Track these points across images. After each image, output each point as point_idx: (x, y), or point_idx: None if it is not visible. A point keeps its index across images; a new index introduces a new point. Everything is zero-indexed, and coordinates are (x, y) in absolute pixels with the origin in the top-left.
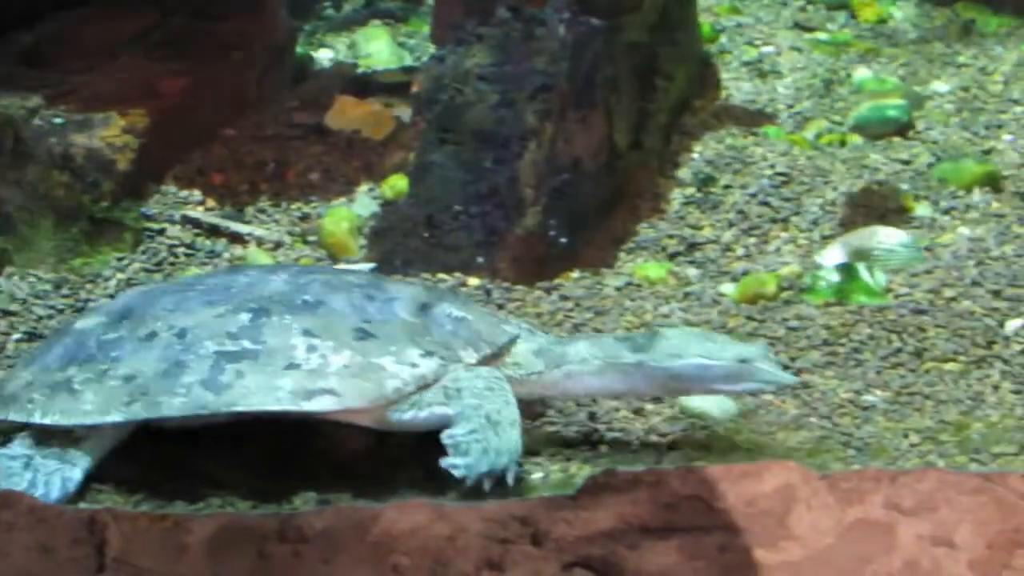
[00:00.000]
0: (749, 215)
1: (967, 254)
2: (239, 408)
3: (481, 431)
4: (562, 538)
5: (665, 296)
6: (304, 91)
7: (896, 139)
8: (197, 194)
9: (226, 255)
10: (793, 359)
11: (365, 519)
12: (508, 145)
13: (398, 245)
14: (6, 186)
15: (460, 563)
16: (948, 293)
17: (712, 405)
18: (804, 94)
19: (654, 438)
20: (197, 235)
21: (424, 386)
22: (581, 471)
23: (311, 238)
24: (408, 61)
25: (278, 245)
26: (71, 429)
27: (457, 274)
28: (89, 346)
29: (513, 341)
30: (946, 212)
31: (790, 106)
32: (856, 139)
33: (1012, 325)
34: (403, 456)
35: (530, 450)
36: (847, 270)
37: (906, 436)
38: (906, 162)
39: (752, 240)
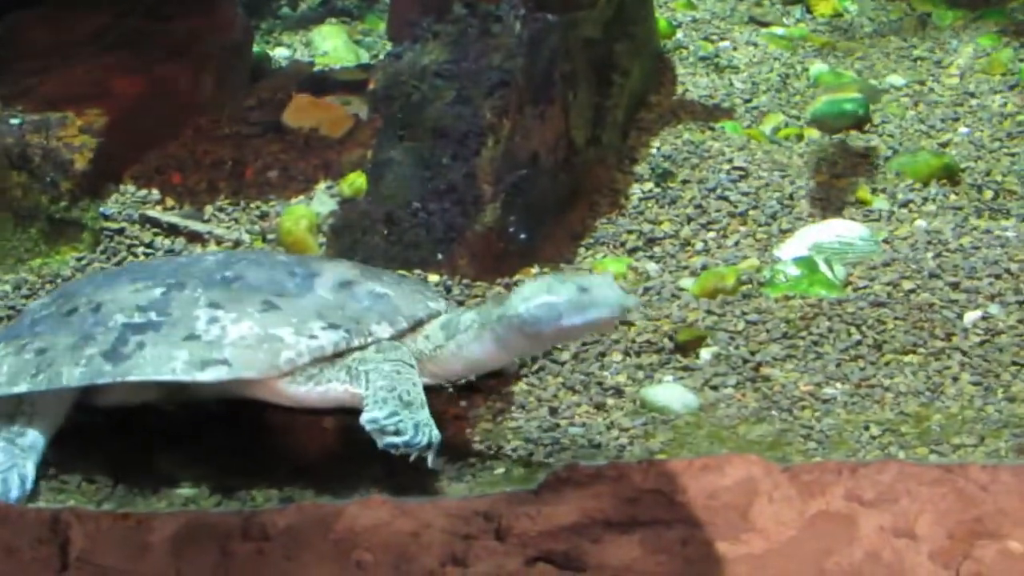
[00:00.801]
0: (707, 210)
1: (925, 246)
2: (133, 378)
3: (401, 412)
4: (525, 533)
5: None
6: (261, 89)
7: (853, 133)
8: (155, 193)
9: (185, 254)
10: (753, 353)
11: (328, 516)
12: (465, 142)
13: (357, 242)
14: None
15: (424, 559)
16: (907, 285)
17: (673, 399)
18: (761, 89)
19: (615, 432)
20: (156, 234)
21: (322, 359)
22: (543, 466)
23: (270, 236)
24: (365, 59)
25: (237, 244)
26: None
27: (417, 271)
28: (23, 324)
29: (434, 315)
30: (904, 205)
31: (747, 101)
32: (813, 133)
33: (970, 317)
34: (364, 453)
35: (492, 445)
36: (806, 263)
37: (867, 428)
38: (863, 155)
39: (711, 234)
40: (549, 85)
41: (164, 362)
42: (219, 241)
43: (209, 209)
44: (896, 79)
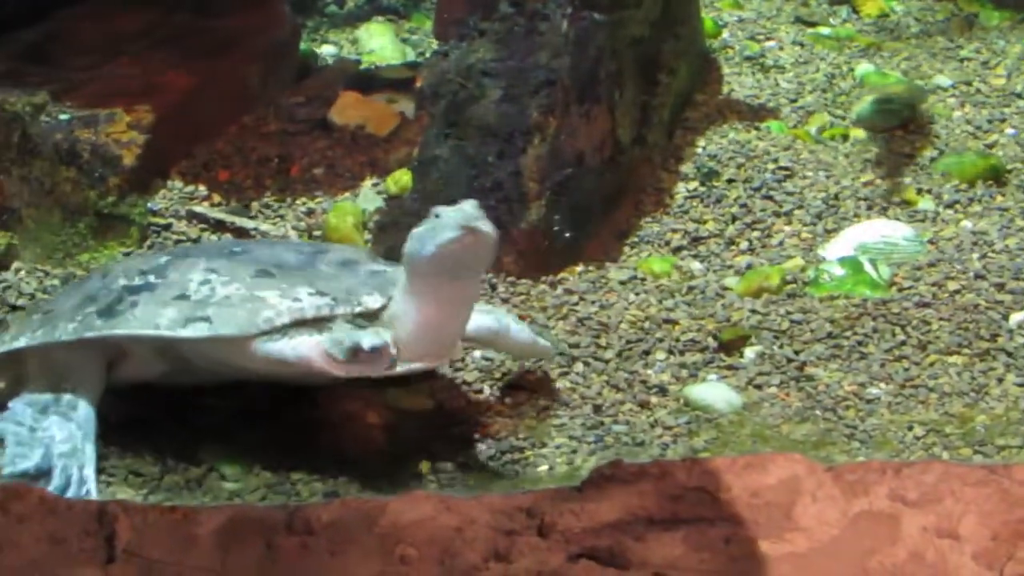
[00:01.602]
0: (752, 209)
1: (970, 247)
2: (120, 331)
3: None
4: (568, 529)
5: (669, 290)
6: (308, 87)
7: (899, 133)
8: (203, 189)
9: None
10: (797, 352)
11: (372, 511)
12: (512, 140)
13: (403, 240)
14: (13, 182)
15: (467, 554)
16: (952, 286)
17: (717, 398)
18: (807, 89)
19: (659, 431)
20: (203, 230)
21: (301, 321)
22: (586, 463)
23: (316, 233)
24: (411, 57)
25: (283, 240)
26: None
27: None
28: (59, 294)
29: None
30: (949, 206)
31: (793, 100)
32: (859, 133)
33: (1016, 318)
34: (409, 449)
35: (536, 442)
36: (850, 264)
37: (911, 429)
38: (909, 156)
39: (755, 234)
40: (595, 84)
41: (151, 318)
42: (265, 237)
43: (255, 205)
44: (942, 79)
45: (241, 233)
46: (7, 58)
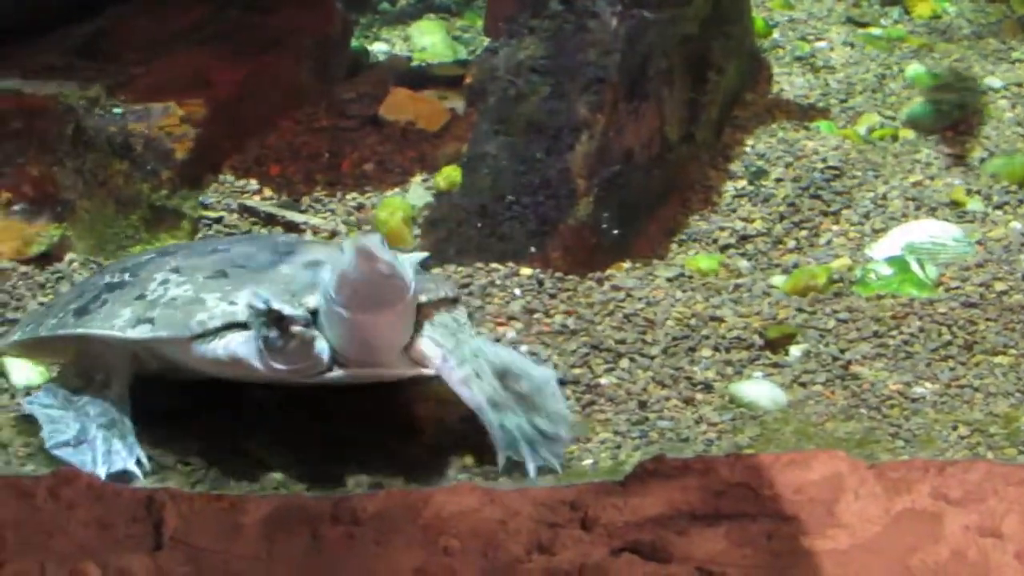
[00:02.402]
0: (800, 208)
1: (1019, 248)
2: (82, 330)
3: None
4: (611, 523)
5: (716, 288)
6: (359, 83)
7: (949, 134)
8: (254, 183)
9: None
10: (843, 351)
11: (417, 502)
12: (560, 136)
13: (452, 235)
14: (67, 174)
15: (510, 546)
16: (999, 287)
17: (762, 395)
18: (856, 89)
19: (703, 427)
20: (254, 223)
21: (233, 324)
22: (630, 458)
23: (366, 227)
24: (462, 55)
25: (333, 234)
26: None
27: (510, 264)
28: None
29: None
30: (998, 207)
31: (842, 101)
32: (909, 134)
33: None
34: (453, 441)
35: (581, 437)
36: (898, 263)
37: (955, 428)
38: (959, 157)
39: (803, 233)
40: (644, 81)
41: (109, 318)
42: (315, 231)
43: (306, 200)
44: (994, 81)
45: (291, 227)
46: (62, 52)
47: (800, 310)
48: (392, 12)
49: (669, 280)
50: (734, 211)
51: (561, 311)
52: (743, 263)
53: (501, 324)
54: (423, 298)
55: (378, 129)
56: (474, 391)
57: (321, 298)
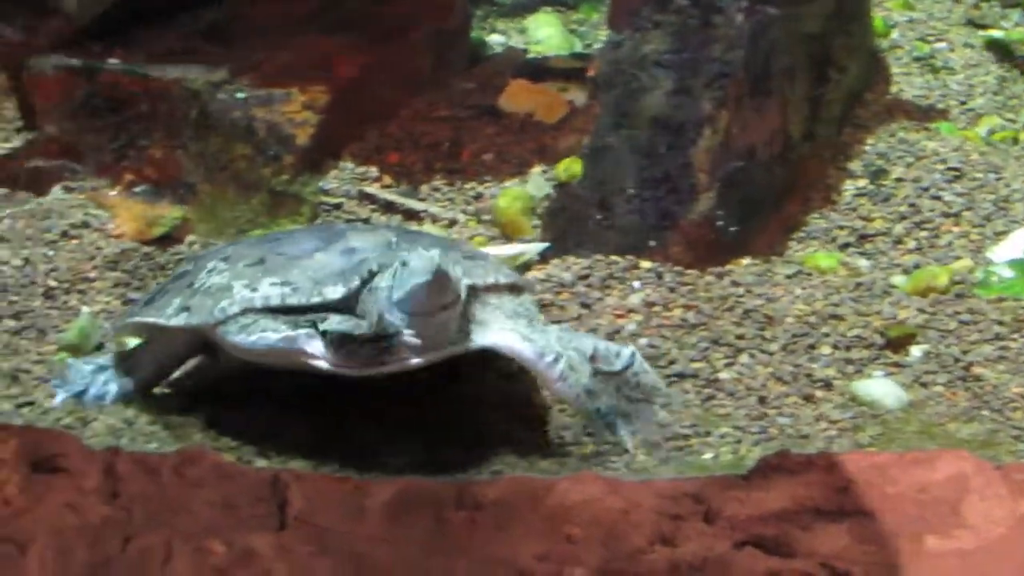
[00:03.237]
0: (921, 209)
1: None
2: (138, 319)
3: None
4: (734, 516)
5: (836, 286)
6: (478, 74)
7: None
8: (373, 171)
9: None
10: (964, 352)
11: (539, 489)
12: (683, 131)
13: (571, 226)
14: (190, 157)
15: (633, 536)
16: None
17: (884, 394)
18: (977, 91)
19: (823, 424)
20: (373, 211)
21: (250, 309)
22: (750, 453)
23: (485, 217)
24: (578, 48)
25: (452, 223)
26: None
27: (629, 256)
28: None
29: None
30: None
31: (962, 102)
32: None
33: None
34: (575, 431)
35: (701, 431)
36: (1020, 266)
37: None
38: None
39: (923, 233)
40: (768, 78)
41: (163, 308)
42: (435, 219)
43: (425, 188)
44: None
45: (411, 215)
46: (188, 36)
47: (921, 310)
48: (508, 4)
49: (788, 277)
50: (854, 210)
51: (680, 305)
52: (863, 262)
53: (620, 316)
54: (475, 282)
55: (497, 120)
56: (571, 384)
57: (377, 300)
